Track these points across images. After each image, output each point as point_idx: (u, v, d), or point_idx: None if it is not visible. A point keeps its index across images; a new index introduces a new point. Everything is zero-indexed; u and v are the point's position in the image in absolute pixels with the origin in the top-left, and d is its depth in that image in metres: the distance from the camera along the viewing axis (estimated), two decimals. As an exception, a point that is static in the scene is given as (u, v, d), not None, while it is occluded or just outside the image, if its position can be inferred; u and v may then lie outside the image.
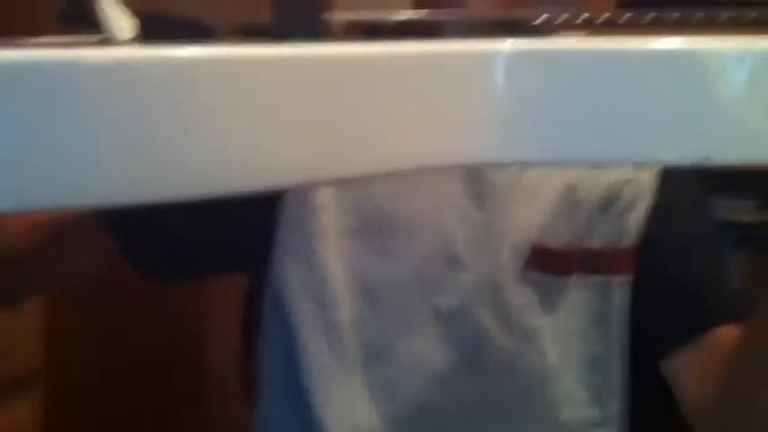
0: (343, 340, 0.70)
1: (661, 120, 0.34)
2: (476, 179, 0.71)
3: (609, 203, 0.71)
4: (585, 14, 0.46)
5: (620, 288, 0.72)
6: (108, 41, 0.30)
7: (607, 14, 0.46)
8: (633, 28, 0.44)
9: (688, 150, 0.34)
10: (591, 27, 0.43)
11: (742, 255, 1.90)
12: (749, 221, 2.03)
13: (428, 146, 0.34)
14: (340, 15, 0.45)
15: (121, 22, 0.34)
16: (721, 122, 0.34)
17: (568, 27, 0.43)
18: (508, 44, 0.34)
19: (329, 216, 0.70)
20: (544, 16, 0.43)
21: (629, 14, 0.45)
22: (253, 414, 0.75)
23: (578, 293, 0.72)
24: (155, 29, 0.36)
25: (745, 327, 0.64)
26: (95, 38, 0.33)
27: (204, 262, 0.76)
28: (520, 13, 0.46)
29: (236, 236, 0.73)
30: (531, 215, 0.71)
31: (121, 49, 0.30)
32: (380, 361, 0.70)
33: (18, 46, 0.28)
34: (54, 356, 1.38)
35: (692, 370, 0.69)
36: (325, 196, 0.70)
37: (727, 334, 0.68)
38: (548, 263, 0.71)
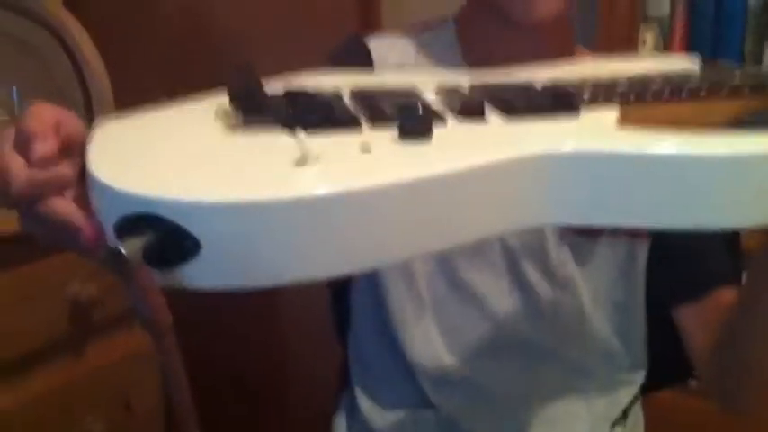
0: (419, 288, 0.87)
1: (669, 200, 0.50)
2: None
3: None
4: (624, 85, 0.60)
5: (641, 247, 0.88)
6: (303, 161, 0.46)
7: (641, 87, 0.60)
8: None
9: (686, 220, 0.51)
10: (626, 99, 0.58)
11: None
12: None
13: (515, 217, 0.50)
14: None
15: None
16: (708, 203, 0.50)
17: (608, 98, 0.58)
18: (568, 146, 0.50)
19: None
20: (586, 95, 0.58)
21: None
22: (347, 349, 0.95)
23: (606, 251, 0.88)
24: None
25: (740, 290, 0.80)
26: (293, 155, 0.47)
27: None
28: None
29: None
30: None
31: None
32: (448, 305, 0.88)
33: None
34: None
35: (698, 322, 0.86)
36: None
37: (727, 293, 0.84)
38: (580, 228, 0.87)
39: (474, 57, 0.87)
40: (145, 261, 0.41)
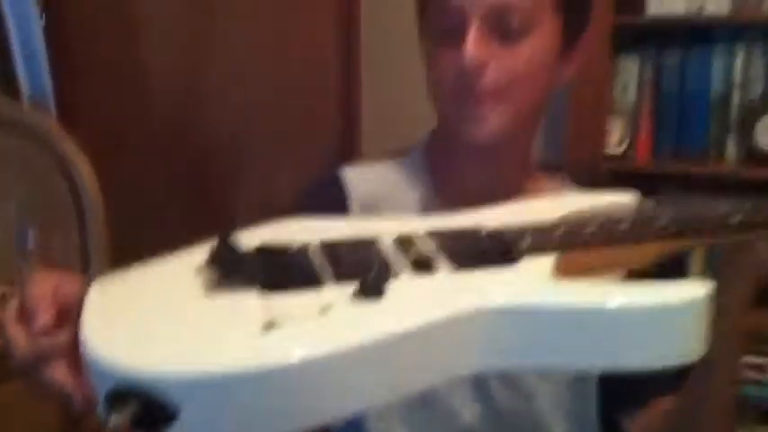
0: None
1: (582, 346, 0.57)
2: None
3: None
4: (560, 231, 0.68)
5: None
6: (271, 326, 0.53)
7: (578, 234, 0.68)
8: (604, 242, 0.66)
9: (610, 363, 0.58)
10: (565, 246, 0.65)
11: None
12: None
13: (452, 367, 0.57)
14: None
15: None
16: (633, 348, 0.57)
17: (545, 246, 0.65)
18: (499, 301, 0.57)
19: None
20: (527, 242, 0.65)
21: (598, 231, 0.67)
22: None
23: None
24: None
25: (677, 397, 0.87)
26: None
27: None
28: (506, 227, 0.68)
29: None
30: None
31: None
32: (417, 416, 0.94)
33: None
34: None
35: (639, 427, 0.92)
36: None
37: (668, 401, 0.90)
38: None
39: (441, 178, 0.97)
40: (131, 426, 0.47)
